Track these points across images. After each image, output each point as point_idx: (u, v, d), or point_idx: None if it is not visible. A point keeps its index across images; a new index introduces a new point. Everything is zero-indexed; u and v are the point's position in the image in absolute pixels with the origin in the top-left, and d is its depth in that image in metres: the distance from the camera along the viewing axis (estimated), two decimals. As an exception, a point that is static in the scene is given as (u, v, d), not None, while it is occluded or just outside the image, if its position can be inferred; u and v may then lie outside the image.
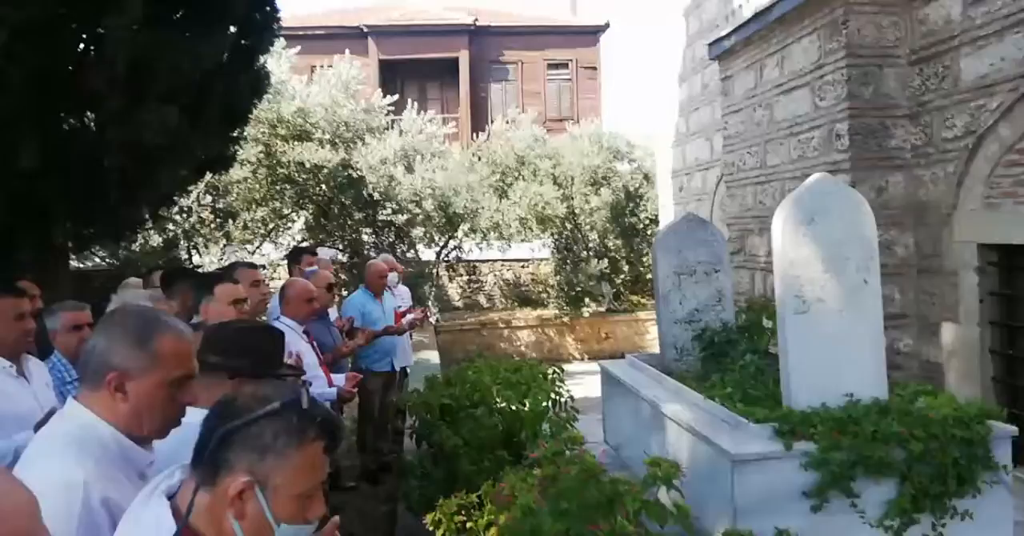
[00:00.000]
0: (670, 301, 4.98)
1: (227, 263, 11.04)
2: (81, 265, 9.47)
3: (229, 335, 2.22)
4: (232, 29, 6.00)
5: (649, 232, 14.48)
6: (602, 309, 14.48)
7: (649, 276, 14.67)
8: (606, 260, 14.51)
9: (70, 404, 1.58)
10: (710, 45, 7.91)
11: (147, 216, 6.80)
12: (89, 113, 5.66)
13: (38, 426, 2.84)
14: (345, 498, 5.09)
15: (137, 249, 10.48)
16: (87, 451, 1.48)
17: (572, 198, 14.51)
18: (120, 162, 5.19)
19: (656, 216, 13.23)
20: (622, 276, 15.02)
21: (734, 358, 4.33)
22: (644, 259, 14.69)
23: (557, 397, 4.61)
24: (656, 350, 5.97)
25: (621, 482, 2.34)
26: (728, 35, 7.38)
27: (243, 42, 6.18)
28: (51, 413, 2.89)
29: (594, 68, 24.54)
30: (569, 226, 14.75)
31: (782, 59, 6.58)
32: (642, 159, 15.26)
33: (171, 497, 1.28)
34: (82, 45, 5.41)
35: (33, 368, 3.20)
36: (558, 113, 23.21)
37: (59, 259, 6.14)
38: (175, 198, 7.66)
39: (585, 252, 14.86)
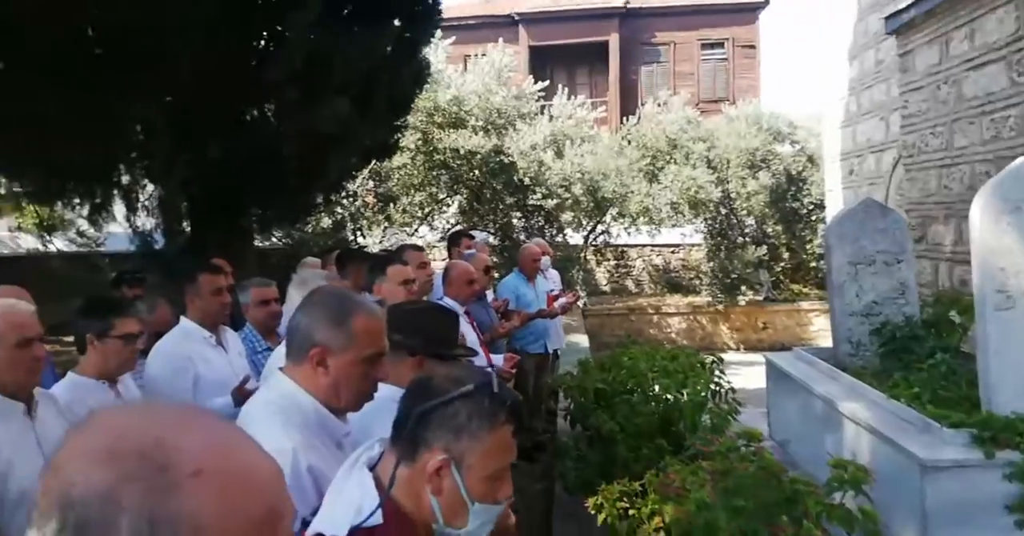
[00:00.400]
0: (845, 293, 4.65)
1: (388, 244, 11.65)
2: (260, 244, 10.27)
3: (405, 315, 2.29)
4: (396, 22, 6.24)
5: (813, 218, 13.65)
6: (759, 298, 13.84)
7: (812, 264, 13.85)
8: (764, 246, 13.84)
9: (276, 375, 1.70)
10: (887, 18, 7.29)
11: (319, 200, 7.27)
12: (267, 105, 6.10)
13: (234, 392, 3.13)
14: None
15: (309, 230, 11.24)
16: (292, 420, 1.58)
17: (727, 182, 13.92)
18: (297, 151, 5.55)
19: (821, 201, 12.42)
20: (782, 263, 14.29)
21: (919, 355, 3.99)
22: (807, 246, 13.88)
23: (717, 388, 4.46)
24: (822, 343, 5.62)
25: (801, 482, 2.21)
26: (908, 7, 6.79)
27: (406, 35, 6.42)
28: (245, 380, 3.17)
29: (752, 47, 23.35)
30: (724, 211, 14.18)
31: (972, 32, 5.95)
32: (805, 140, 14.37)
33: (371, 468, 1.34)
34: (263, 42, 5.84)
35: (229, 338, 3.50)
36: (712, 94, 22.35)
37: (244, 239, 6.70)
38: (343, 184, 8.12)
39: (741, 238, 14.25)
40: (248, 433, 0.70)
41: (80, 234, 9.07)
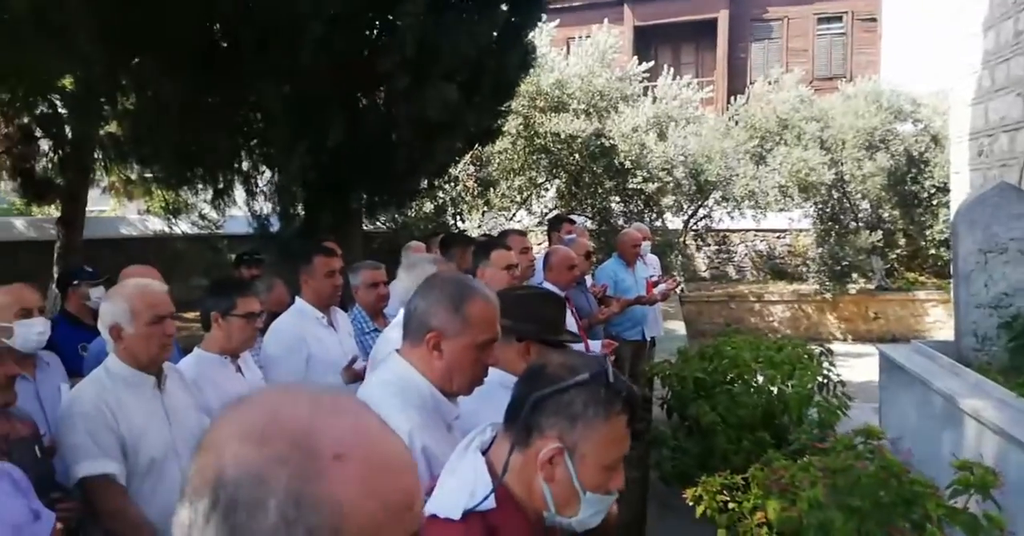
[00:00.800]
0: (972, 282, 4.36)
1: (487, 228, 11.77)
2: (365, 228, 10.62)
3: (514, 300, 2.31)
4: (503, 7, 6.26)
5: (935, 202, 12.78)
6: (871, 286, 13.13)
7: (932, 251, 13.04)
8: (879, 232, 13.08)
9: (394, 356, 1.76)
10: (1032, -17, 6.69)
11: (424, 185, 7.44)
12: (378, 93, 6.28)
13: (343, 371, 3.27)
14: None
15: (412, 214, 11.50)
16: (408, 401, 1.65)
17: (842, 163, 13.18)
18: (406, 137, 5.69)
19: (945, 184, 11.60)
20: (898, 250, 13.48)
21: (1055, 352, 3.69)
22: (927, 232, 13.03)
23: (825, 380, 4.29)
24: (938, 335, 5.29)
25: (920, 483, 2.10)
26: (1057, -30, 6.19)
27: (512, 20, 6.43)
28: (353, 360, 3.30)
29: (873, 19, 21.90)
30: (836, 194, 13.46)
31: None
32: (929, 119, 13.40)
33: (483, 452, 1.37)
34: (375, 32, 6.00)
35: (340, 319, 3.64)
36: (828, 71, 21.17)
37: (353, 223, 6.95)
38: (447, 168, 8.27)
39: (854, 223, 13.52)
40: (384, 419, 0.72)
41: (202, 217, 9.63)
